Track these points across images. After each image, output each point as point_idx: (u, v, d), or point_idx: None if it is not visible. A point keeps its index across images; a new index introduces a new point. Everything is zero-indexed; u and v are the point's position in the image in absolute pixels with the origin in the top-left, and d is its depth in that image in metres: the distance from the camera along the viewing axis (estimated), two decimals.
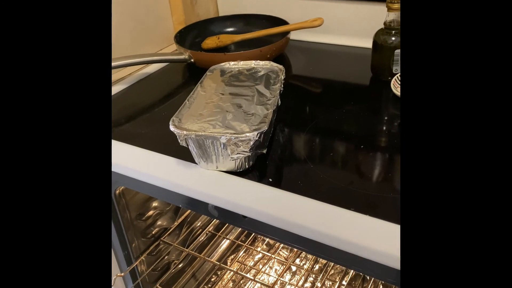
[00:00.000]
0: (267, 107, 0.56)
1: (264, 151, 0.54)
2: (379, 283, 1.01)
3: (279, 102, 0.61)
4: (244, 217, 0.53)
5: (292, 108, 0.70)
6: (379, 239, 0.43)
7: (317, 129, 0.63)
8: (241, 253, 1.10)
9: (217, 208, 0.55)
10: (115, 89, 0.80)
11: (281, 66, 0.68)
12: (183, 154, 0.58)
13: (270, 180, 0.53)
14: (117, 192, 0.72)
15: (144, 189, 0.64)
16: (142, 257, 0.83)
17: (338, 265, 1.07)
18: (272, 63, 0.70)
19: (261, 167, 0.56)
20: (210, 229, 1.05)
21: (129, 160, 0.60)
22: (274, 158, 0.58)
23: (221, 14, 1.07)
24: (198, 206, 0.57)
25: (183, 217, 0.94)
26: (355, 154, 0.58)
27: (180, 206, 0.65)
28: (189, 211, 0.96)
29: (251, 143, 0.50)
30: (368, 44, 0.77)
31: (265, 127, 0.51)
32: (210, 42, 0.91)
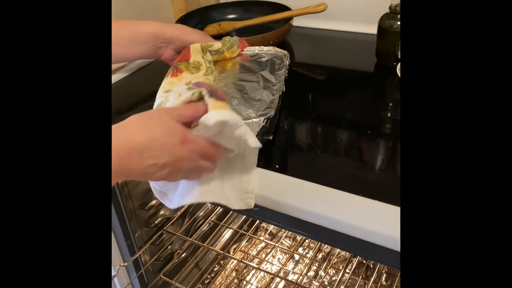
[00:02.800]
0: (273, 93, 0.55)
1: (270, 137, 0.54)
2: (383, 272, 1.01)
3: (284, 88, 0.60)
4: (255, 206, 0.52)
5: (296, 95, 0.69)
6: (385, 223, 0.43)
7: (322, 116, 0.63)
8: (243, 242, 1.10)
9: None
10: (116, 77, 0.79)
11: (285, 52, 0.67)
12: None
13: (277, 166, 0.52)
14: (120, 181, 0.71)
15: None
16: (145, 247, 0.82)
17: (342, 254, 1.07)
18: (276, 48, 0.68)
19: (267, 153, 0.55)
20: (212, 219, 1.04)
21: None
22: (280, 145, 0.57)
23: (222, 1, 1.06)
24: None
25: (186, 206, 0.93)
26: (361, 140, 0.57)
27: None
28: None
29: (258, 129, 0.49)
30: (373, 29, 0.76)
31: (271, 113, 0.50)
32: (211, 29, 0.90)
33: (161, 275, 0.88)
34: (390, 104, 0.67)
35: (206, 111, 0.43)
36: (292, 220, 0.49)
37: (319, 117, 0.62)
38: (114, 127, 0.38)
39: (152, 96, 0.73)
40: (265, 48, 0.68)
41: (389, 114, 0.64)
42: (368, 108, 0.65)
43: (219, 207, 1.07)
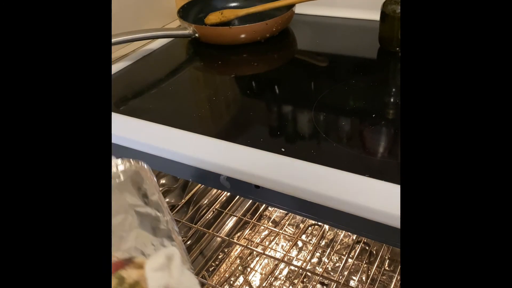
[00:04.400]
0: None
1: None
2: (386, 258, 1.02)
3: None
4: (257, 187, 0.53)
5: (300, 82, 0.70)
6: (391, 202, 0.43)
7: (326, 102, 0.63)
8: (247, 231, 1.11)
9: (229, 179, 0.54)
10: (119, 66, 0.79)
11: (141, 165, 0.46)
12: (193, 127, 0.58)
13: (283, 150, 0.52)
14: None
15: (155, 164, 0.63)
16: None
17: (345, 241, 1.08)
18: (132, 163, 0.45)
19: (273, 138, 0.56)
20: (216, 207, 1.05)
21: (139, 134, 0.60)
22: (285, 130, 0.57)
23: None
24: (210, 178, 0.56)
25: (190, 194, 0.94)
26: (367, 124, 0.58)
27: (191, 180, 0.64)
28: (196, 188, 0.97)
29: None
30: (376, 16, 0.76)
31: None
32: (213, 17, 0.90)
33: None
34: (393, 89, 0.68)
35: None
36: (297, 201, 0.50)
37: (324, 102, 0.63)
38: None
39: (155, 84, 0.74)
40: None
41: (392, 100, 0.65)
42: (371, 93, 0.65)
43: (223, 195, 1.08)
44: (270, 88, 0.69)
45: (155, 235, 0.39)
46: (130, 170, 0.43)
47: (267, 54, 0.80)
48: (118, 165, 0.42)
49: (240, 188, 0.55)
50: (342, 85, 0.67)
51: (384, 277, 0.98)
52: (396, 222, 0.44)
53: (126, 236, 0.38)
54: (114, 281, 0.37)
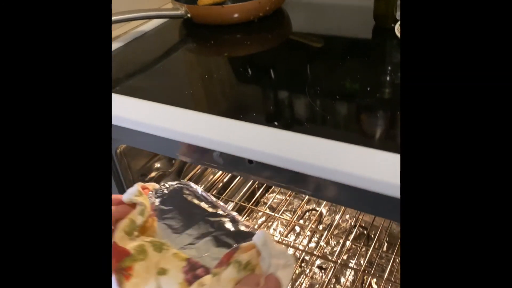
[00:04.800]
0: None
1: None
2: (384, 241, 1.02)
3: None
4: (250, 162, 0.52)
5: (294, 62, 0.68)
6: (390, 171, 0.42)
7: (320, 78, 0.62)
8: (244, 216, 1.10)
9: (222, 155, 0.54)
10: (112, 47, 0.78)
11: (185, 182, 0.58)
12: (185, 104, 0.57)
13: (276, 123, 0.51)
14: (118, 151, 0.71)
15: (146, 144, 0.62)
16: None
17: (342, 226, 1.07)
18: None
19: (266, 112, 0.55)
20: (213, 193, 1.04)
21: (130, 112, 0.59)
22: (279, 105, 0.56)
23: None
24: (203, 156, 0.56)
25: (186, 179, 0.93)
26: (362, 99, 0.57)
27: (184, 159, 0.63)
28: (192, 173, 0.96)
29: None
30: None
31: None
32: None
33: None
34: (389, 67, 0.67)
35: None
36: (292, 175, 0.49)
37: (318, 79, 0.62)
38: None
39: (147, 64, 0.73)
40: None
41: (388, 78, 0.64)
42: (367, 70, 0.64)
43: (219, 181, 1.07)
44: (263, 67, 0.68)
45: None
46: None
47: (260, 33, 0.79)
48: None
49: (233, 164, 0.54)
50: (338, 63, 0.66)
51: (383, 260, 0.98)
52: (396, 192, 0.42)
53: None
54: (234, 266, 0.47)
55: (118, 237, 0.50)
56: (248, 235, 0.54)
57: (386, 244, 1.02)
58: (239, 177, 1.07)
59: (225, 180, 1.08)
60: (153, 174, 0.84)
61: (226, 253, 0.49)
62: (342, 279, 0.94)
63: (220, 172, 1.06)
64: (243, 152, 0.50)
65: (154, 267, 0.50)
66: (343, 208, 1.08)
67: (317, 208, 1.12)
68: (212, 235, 0.55)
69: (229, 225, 0.57)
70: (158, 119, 0.56)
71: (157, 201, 0.59)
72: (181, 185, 0.61)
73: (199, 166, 0.98)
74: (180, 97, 0.60)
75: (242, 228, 0.56)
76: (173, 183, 0.61)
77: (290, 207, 1.14)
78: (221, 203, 0.61)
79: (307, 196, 1.10)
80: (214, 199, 0.61)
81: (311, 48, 0.75)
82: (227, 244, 0.54)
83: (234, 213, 0.59)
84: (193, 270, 0.49)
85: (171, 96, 0.60)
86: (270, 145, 0.49)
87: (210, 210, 0.58)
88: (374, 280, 0.93)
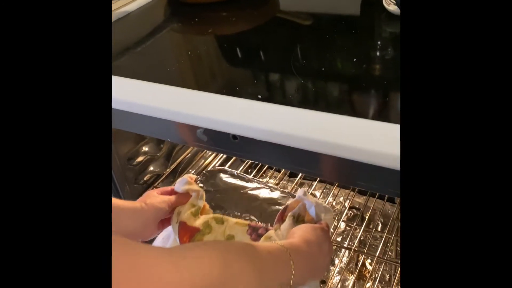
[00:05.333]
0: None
1: None
2: (378, 222, 1.01)
3: None
4: (235, 138, 0.50)
5: (280, 38, 0.67)
6: (387, 142, 0.40)
7: (308, 55, 0.60)
8: None
9: (205, 131, 0.52)
10: None
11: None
12: (167, 80, 0.55)
13: (259, 96, 0.50)
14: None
15: (129, 125, 0.61)
16: None
17: (336, 208, 1.06)
18: None
19: (249, 86, 0.53)
20: None
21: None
22: (262, 78, 0.55)
23: None
24: (186, 133, 0.54)
25: (176, 163, 0.92)
26: (349, 71, 0.55)
27: (169, 140, 0.62)
28: (181, 158, 0.94)
29: None
30: None
31: None
32: None
33: None
34: (379, 42, 0.65)
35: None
36: (279, 150, 0.47)
37: (304, 53, 0.60)
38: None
39: (129, 42, 0.70)
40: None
41: (378, 53, 0.62)
42: (357, 45, 0.62)
43: (211, 167, 1.05)
44: (249, 44, 0.66)
45: None
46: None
47: (246, 10, 0.77)
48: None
49: (218, 141, 0.52)
50: (326, 39, 0.64)
51: (377, 241, 0.97)
52: (393, 163, 0.41)
53: None
54: (289, 219, 0.60)
55: (186, 218, 0.61)
56: (287, 196, 0.73)
57: (380, 225, 1.01)
58: (230, 162, 1.06)
59: (217, 165, 1.07)
60: (140, 158, 0.82)
61: (279, 212, 0.62)
62: (336, 261, 0.93)
63: (211, 157, 1.05)
64: (227, 127, 0.49)
65: (222, 235, 0.60)
66: (336, 191, 1.07)
67: (310, 191, 1.10)
68: (258, 203, 0.71)
69: (269, 193, 0.74)
70: (140, 96, 0.54)
71: (203, 184, 0.77)
72: (218, 170, 0.80)
73: (188, 150, 0.96)
74: (163, 75, 0.59)
75: (280, 193, 0.74)
76: (211, 169, 0.81)
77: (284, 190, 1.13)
78: (256, 178, 0.77)
79: (299, 180, 1.09)
80: (249, 176, 0.78)
81: (299, 25, 0.74)
82: (273, 207, 0.70)
83: (270, 184, 0.76)
84: (255, 231, 0.61)
85: (151, 73, 0.59)
86: (255, 119, 0.47)
87: (250, 185, 0.76)
88: (369, 260, 0.92)
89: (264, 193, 0.76)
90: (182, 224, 0.60)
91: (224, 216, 0.63)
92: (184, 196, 0.63)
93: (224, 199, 0.76)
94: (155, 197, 0.61)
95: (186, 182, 0.64)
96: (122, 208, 0.56)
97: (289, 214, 0.61)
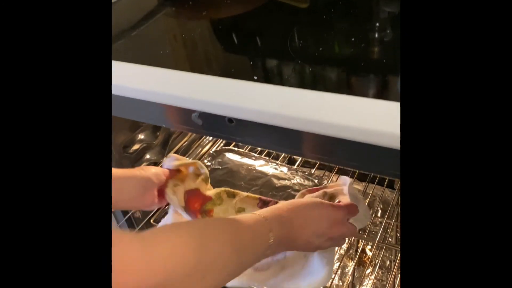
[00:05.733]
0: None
1: None
2: (377, 209, 1.01)
3: None
4: (230, 121, 0.49)
5: (275, 20, 0.65)
6: (388, 121, 0.39)
7: (303, 32, 0.59)
8: None
9: (201, 115, 0.51)
10: None
11: None
12: (160, 63, 0.54)
13: (255, 77, 0.48)
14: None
15: (122, 111, 0.59)
16: None
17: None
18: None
19: (244, 68, 0.52)
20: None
21: None
22: (258, 60, 0.53)
23: None
24: (181, 117, 0.53)
25: (172, 152, 0.91)
26: (347, 50, 0.54)
27: (164, 125, 0.61)
28: (178, 146, 0.93)
29: None
30: None
31: None
32: None
33: (151, 221, 0.86)
34: (377, 24, 0.64)
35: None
36: (276, 133, 0.46)
37: (301, 33, 0.58)
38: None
39: (126, 29, 0.69)
40: None
41: (376, 35, 0.61)
42: (355, 24, 0.61)
43: (207, 155, 1.04)
44: (243, 25, 0.65)
45: None
46: None
47: None
48: None
49: (213, 124, 0.51)
50: (323, 21, 0.63)
51: (377, 227, 0.96)
52: (392, 141, 0.39)
53: None
54: (322, 194, 0.62)
55: (198, 184, 0.63)
56: (295, 172, 0.78)
57: (380, 211, 1.01)
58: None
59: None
60: (136, 146, 0.81)
61: (317, 187, 0.65)
62: (336, 247, 0.92)
63: (209, 145, 1.04)
64: (222, 109, 0.47)
65: (232, 208, 0.62)
66: (335, 177, 1.06)
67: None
68: (267, 178, 0.75)
69: (276, 169, 0.78)
70: (133, 80, 0.53)
71: (211, 163, 0.80)
72: (225, 149, 0.85)
73: (185, 138, 0.95)
74: (157, 58, 0.57)
75: (287, 169, 0.78)
76: (217, 149, 0.84)
77: None
78: (262, 156, 0.81)
79: (298, 168, 1.08)
80: (255, 154, 0.82)
81: (295, 8, 0.72)
82: (282, 182, 0.75)
83: (277, 162, 0.80)
84: (265, 204, 0.63)
85: (148, 57, 0.57)
86: (251, 101, 0.46)
87: (257, 162, 0.80)
88: (369, 247, 0.92)
89: (271, 169, 0.79)
90: (194, 192, 0.62)
91: (236, 191, 0.65)
92: (175, 172, 0.64)
93: (232, 175, 0.79)
94: (150, 167, 0.64)
95: (175, 158, 0.65)
96: (122, 175, 0.58)
97: (323, 190, 0.62)
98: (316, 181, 0.78)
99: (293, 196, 0.75)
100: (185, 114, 0.52)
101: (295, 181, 0.78)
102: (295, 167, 0.83)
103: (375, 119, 0.40)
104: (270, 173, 0.79)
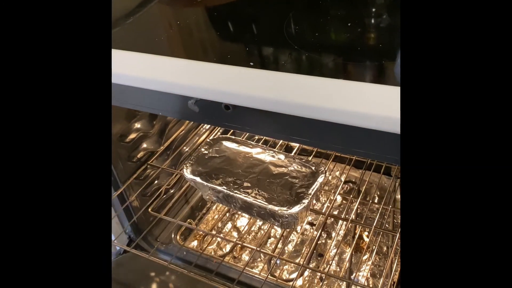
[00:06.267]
0: None
1: None
2: (374, 195, 1.01)
3: None
4: (227, 108, 0.49)
5: (274, 8, 0.64)
6: (385, 105, 0.39)
7: (299, 17, 0.58)
8: None
9: (197, 102, 0.51)
10: None
11: None
12: (156, 50, 0.53)
13: (251, 63, 0.48)
14: None
15: (118, 99, 0.59)
16: (130, 181, 0.80)
17: (332, 182, 1.06)
18: None
19: (241, 54, 0.51)
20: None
21: None
22: (253, 45, 0.53)
23: None
24: (177, 105, 0.53)
25: (169, 141, 0.91)
26: (343, 35, 0.54)
27: (160, 113, 0.60)
28: (175, 135, 0.93)
29: None
30: None
31: None
32: None
33: (149, 211, 0.86)
34: (373, 9, 0.63)
35: None
36: (274, 119, 0.46)
37: (296, 18, 0.58)
38: None
39: (122, 17, 0.68)
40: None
41: (372, 20, 0.60)
42: (351, 8, 0.61)
43: (203, 138, 1.04)
44: (239, 11, 0.64)
45: None
46: None
47: None
48: None
49: (210, 111, 0.51)
50: (318, 3, 0.62)
51: (374, 214, 0.97)
52: (392, 127, 0.39)
53: None
54: None
55: None
56: (292, 159, 0.80)
57: (377, 198, 1.01)
58: None
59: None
60: (133, 135, 0.81)
61: None
62: (333, 234, 0.93)
63: (206, 134, 1.04)
64: (219, 96, 0.47)
65: None
66: (332, 165, 1.07)
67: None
68: (265, 166, 0.78)
69: (274, 157, 0.81)
70: (128, 67, 0.53)
71: (208, 151, 0.81)
72: (222, 138, 0.85)
73: (182, 127, 0.95)
74: (153, 46, 0.57)
75: (284, 156, 0.81)
76: (215, 137, 0.86)
77: None
78: (260, 144, 0.84)
79: (295, 156, 1.08)
80: (253, 142, 0.84)
81: None
82: (280, 169, 0.78)
83: (275, 149, 0.83)
84: None
85: (143, 44, 0.57)
86: (248, 87, 0.46)
87: (254, 150, 0.82)
88: (366, 233, 0.92)
89: (268, 157, 0.80)
90: None
91: None
92: None
93: (230, 163, 0.79)
94: None
95: None
96: None
97: None
98: (313, 168, 0.78)
99: (290, 183, 0.75)
100: (181, 102, 0.52)
101: (292, 168, 0.78)
102: (291, 154, 0.83)
103: (372, 104, 0.40)
104: (267, 161, 0.79)
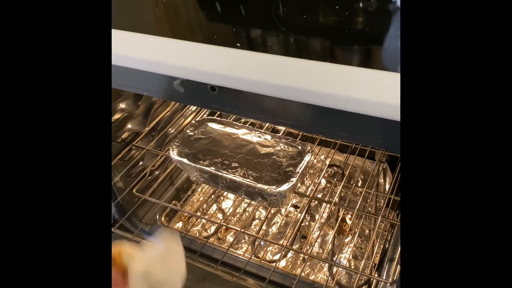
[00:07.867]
0: None
1: None
2: (358, 179, 1.03)
3: None
4: (213, 89, 0.48)
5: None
6: (370, 89, 0.39)
7: (288, 3, 0.58)
8: None
9: (183, 83, 0.50)
10: None
11: None
12: (140, 29, 0.52)
13: (238, 44, 0.48)
14: None
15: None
16: (114, 162, 0.80)
17: (317, 166, 1.07)
18: None
19: (227, 34, 0.51)
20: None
21: None
22: (240, 26, 0.52)
23: None
24: (162, 85, 0.52)
25: (155, 122, 0.90)
26: (330, 20, 0.53)
27: (145, 93, 0.60)
28: (160, 116, 0.92)
29: None
30: None
31: None
32: None
33: (134, 192, 0.86)
34: None
35: None
36: (260, 102, 0.46)
37: (289, 4, 0.57)
38: None
39: None
40: None
41: (361, 4, 0.60)
42: None
43: (189, 120, 1.04)
44: None
45: None
46: None
47: None
48: None
49: (196, 93, 0.51)
50: None
51: (357, 197, 0.99)
52: (376, 111, 0.40)
53: None
54: None
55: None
56: (279, 140, 0.81)
57: (360, 181, 1.03)
58: None
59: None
60: (117, 115, 0.80)
61: None
62: (317, 216, 0.95)
63: (192, 116, 1.03)
64: (205, 76, 0.47)
65: None
66: (317, 149, 1.07)
67: None
68: (251, 146, 0.79)
69: (260, 137, 0.81)
70: (114, 46, 0.51)
71: (194, 133, 0.81)
72: (207, 119, 0.85)
73: (168, 108, 0.94)
74: (137, 24, 0.56)
75: (271, 137, 0.81)
76: (200, 119, 0.86)
77: None
78: (246, 125, 0.84)
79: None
80: (239, 124, 0.84)
81: None
82: (267, 149, 0.78)
83: (261, 130, 0.83)
84: None
85: (127, 22, 0.56)
86: (235, 68, 0.45)
87: (240, 131, 0.82)
88: (349, 216, 0.94)
89: (255, 137, 0.81)
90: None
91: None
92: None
93: (216, 144, 0.79)
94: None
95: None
96: None
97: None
98: (300, 147, 0.79)
99: (278, 162, 0.76)
100: (166, 82, 0.51)
101: (279, 148, 0.78)
102: (278, 134, 0.83)
103: (358, 88, 0.40)
104: (254, 141, 0.80)
